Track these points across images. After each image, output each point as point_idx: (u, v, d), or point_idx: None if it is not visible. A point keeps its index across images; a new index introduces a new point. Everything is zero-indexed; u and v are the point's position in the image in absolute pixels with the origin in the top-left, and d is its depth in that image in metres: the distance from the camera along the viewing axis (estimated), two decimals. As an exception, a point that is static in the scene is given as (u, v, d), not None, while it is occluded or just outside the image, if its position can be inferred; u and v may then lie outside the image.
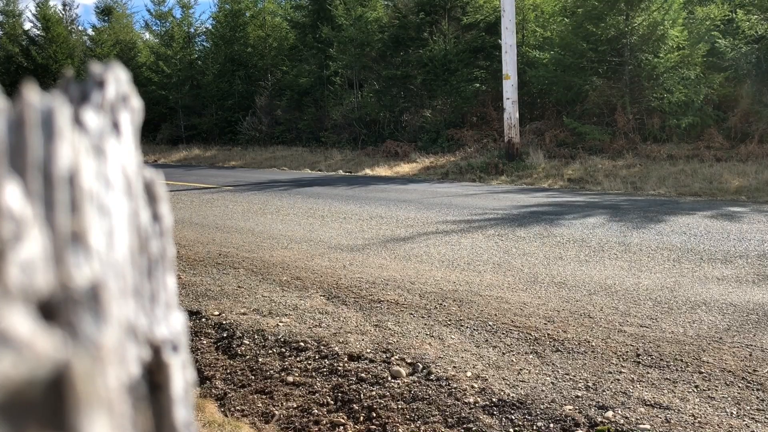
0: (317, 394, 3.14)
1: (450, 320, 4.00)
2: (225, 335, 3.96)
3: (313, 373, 3.35)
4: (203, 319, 4.22)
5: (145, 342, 0.35)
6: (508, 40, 13.48)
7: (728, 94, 13.84)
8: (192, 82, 23.98)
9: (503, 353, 3.48)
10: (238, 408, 3.14)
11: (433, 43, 17.85)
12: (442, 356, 3.44)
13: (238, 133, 21.64)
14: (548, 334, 3.70)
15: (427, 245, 6.07)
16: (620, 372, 3.20)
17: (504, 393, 3.00)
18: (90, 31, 28.12)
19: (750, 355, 3.34)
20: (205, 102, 23.32)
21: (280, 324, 4.04)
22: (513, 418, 2.81)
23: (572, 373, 3.20)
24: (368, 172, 14.53)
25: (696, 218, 7.19)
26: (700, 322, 3.82)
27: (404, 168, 14.79)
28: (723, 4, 14.33)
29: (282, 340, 3.79)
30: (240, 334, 3.91)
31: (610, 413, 2.79)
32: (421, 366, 3.31)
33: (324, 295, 4.60)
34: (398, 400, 3.01)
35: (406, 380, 3.19)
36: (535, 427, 2.74)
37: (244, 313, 4.28)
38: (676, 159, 12.50)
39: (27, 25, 28.26)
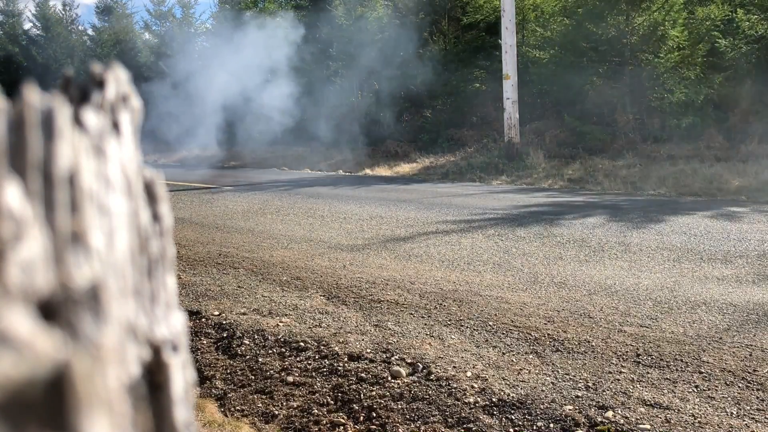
0: (317, 394, 3.14)
1: (450, 320, 4.00)
2: (225, 335, 3.96)
3: (313, 373, 3.35)
4: (203, 319, 4.22)
5: (145, 342, 0.35)
6: (508, 40, 13.49)
7: (728, 94, 13.83)
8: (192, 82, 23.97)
9: (503, 353, 3.48)
10: (238, 408, 3.14)
11: (433, 43, 17.84)
12: (442, 356, 3.44)
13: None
14: (548, 334, 3.70)
15: (427, 245, 6.07)
16: (620, 372, 3.20)
17: (504, 393, 3.00)
18: (90, 31, 28.13)
19: (750, 355, 3.34)
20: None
21: (280, 324, 4.04)
22: (513, 418, 2.81)
23: (572, 373, 3.20)
24: (368, 172, 14.53)
25: (696, 218, 7.19)
26: (700, 322, 3.82)
27: (404, 168, 14.79)
28: (723, 4, 14.32)
29: (282, 340, 3.79)
30: (240, 334, 3.92)
31: (610, 413, 2.79)
32: (421, 366, 3.31)
33: (324, 295, 4.60)
34: (398, 400, 3.01)
35: (406, 380, 3.19)
36: (535, 427, 2.74)
37: (244, 313, 4.28)
38: (676, 159, 12.49)
39: (27, 25, 28.26)
